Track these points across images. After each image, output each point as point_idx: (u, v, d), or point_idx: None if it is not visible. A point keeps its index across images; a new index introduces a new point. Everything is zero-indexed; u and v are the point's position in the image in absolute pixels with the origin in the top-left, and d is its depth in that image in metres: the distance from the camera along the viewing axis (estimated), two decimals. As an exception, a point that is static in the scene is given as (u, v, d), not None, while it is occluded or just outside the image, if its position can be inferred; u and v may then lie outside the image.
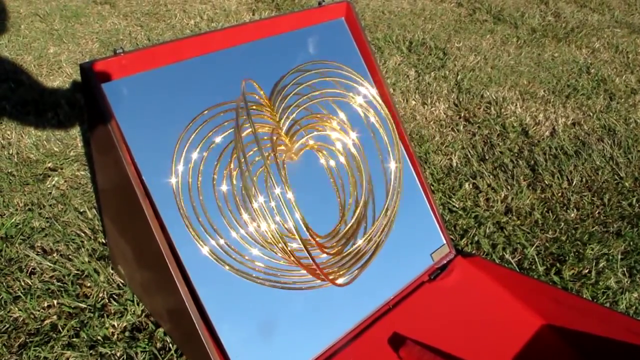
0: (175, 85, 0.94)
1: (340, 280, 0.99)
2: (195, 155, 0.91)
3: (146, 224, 0.86)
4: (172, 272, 0.86)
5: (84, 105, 1.79)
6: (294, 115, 1.03)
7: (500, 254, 1.37)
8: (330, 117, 1.06)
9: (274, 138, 0.97)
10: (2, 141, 1.77)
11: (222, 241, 0.91)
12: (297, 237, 0.88)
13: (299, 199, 0.99)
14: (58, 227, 1.39)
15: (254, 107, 0.97)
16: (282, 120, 1.01)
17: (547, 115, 2.10)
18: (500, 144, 1.88)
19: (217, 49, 1.01)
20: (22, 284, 1.23)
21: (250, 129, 0.92)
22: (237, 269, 0.92)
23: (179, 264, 0.88)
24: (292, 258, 0.92)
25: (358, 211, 1.05)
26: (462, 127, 1.98)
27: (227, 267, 0.91)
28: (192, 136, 0.92)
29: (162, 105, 0.92)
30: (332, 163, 1.07)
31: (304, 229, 0.93)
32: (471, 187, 1.64)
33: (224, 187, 0.93)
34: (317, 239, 0.99)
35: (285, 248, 0.92)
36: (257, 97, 0.99)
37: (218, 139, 0.94)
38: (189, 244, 0.89)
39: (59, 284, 1.23)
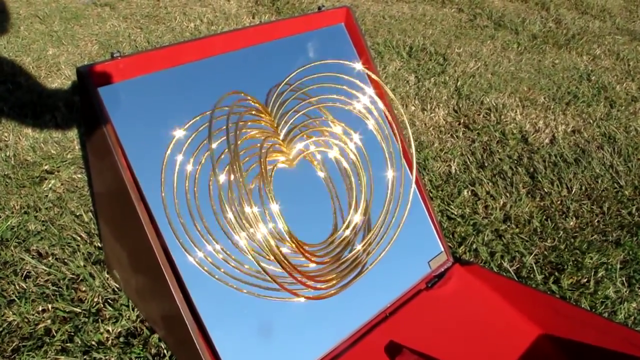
0: (173, 90, 0.93)
1: (332, 290, 0.99)
2: (191, 161, 0.91)
3: (141, 229, 0.85)
4: (167, 278, 0.85)
5: (80, 109, 1.78)
6: (292, 121, 1.02)
7: (499, 262, 1.36)
8: (329, 123, 1.06)
9: (269, 145, 0.96)
10: (-1, 143, 1.77)
11: (219, 247, 0.91)
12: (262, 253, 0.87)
13: (294, 207, 0.99)
14: (54, 231, 1.38)
15: (252, 112, 0.97)
16: (280, 127, 1.00)
17: (547, 123, 2.10)
18: (500, 150, 1.88)
19: (216, 54, 1.00)
20: (17, 287, 1.22)
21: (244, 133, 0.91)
22: (228, 278, 0.91)
23: (173, 269, 0.87)
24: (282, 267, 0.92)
25: (353, 218, 1.05)
26: (461, 133, 1.98)
27: (216, 277, 0.90)
28: (189, 141, 0.91)
29: (159, 109, 0.91)
30: (330, 170, 1.06)
31: (288, 238, 0.93)
32: (470, 194, 1.63)
33: (220, 194, 0.92)
34: (308, 247, 0.99)
35: (278, 255, 0.91)
36: (253, 103, 0.98)
37: (215, 145, 0.93)
38: (185, 250, 0.88)
39: (53, 288, 1.22)
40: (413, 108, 2.13)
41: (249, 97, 0.98)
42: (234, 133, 0.92)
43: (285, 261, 0.92)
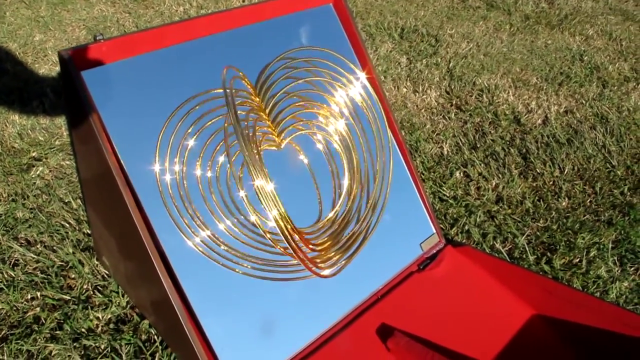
0: (158, 73, 0.92)
1: (326, 272, 0.98)
2: (179, 144, 0.89)
3: (128, 215, 0.84)
4: (155, 263, 0.84)
5: (63, 93, 1.76)
6: (280, 103, 1.01)
7: (491, 243, 1.35)
8: (318, 105, 1.04)
9: (258, 127, 0.95)
10: (-14, 130, 1.74)
11: (208, 232, 0.89)
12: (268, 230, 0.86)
13: (285, 189, 0.98)
14: (42, 218, 1.37)
15: (241, 95, 0.95)
16: (269, 109, 0.99)
17: (540, 103, 2.09)
18: (492, 132, 1.87)
19: (202, 36, 0.98)
20: (5, 276, 1.21)
21: (231, 121, 0.90)
22: (223, 263, 0.90)
23: (161, 255, 0.86)
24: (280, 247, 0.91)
25: (344, 200, 1.04)
26: (453, 114, 1.97)
27: (212, 260, 0.89)
28: (177, 125, 0.90)
29: (144, 93, 0.90)
30: (320, 151, 1.05)
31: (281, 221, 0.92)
32: (462, 175, 1.62)
33: (209, 177, 0.91)
34: (302, 230, 0.98)
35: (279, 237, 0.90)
36: (243, 85, 0.97)
37: (202, 127, 0.91)
38: (173, 235, 0.87)
39: (42, 275, 1.21)
40: (405, 90, 2.12)
41: (241, 74, 0.96)
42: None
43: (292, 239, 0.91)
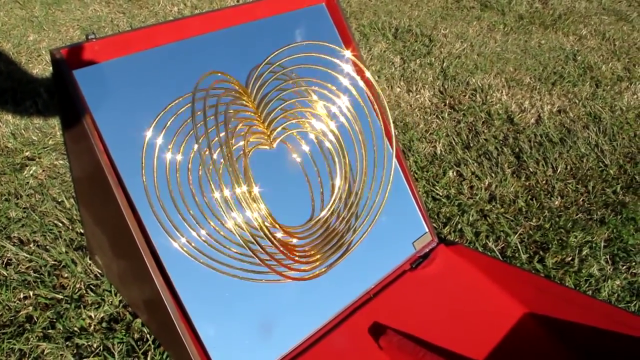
0: (151, 72, 0.92)
1: (310, 274, 0.98)
2: (171, 145, 0.89)
3: (120, 214, 0.84)
4: (147, 262, 0.84)
5: (55, 92, 1.76)
6: (272, 102, 1.01)
7: (484, 242, 1.36)
8: (310, 103, 1.04)
9: (248, 127, 0.95)
10: (-21, 130, 1.74)
11: (201, 232, 0.89)
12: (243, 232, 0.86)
13: (276, 188, 0.98)
14: (35, 218, 1.37)
15: (231, 94, 0.95)
16: (261, 108, 0.99)
17: (533, 103, 2.09)
18: (485, 131, 1.87)
19: (195, 35, 0.98)
20: (-2, 275, 1.21)
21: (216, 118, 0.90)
22: (210, 264, 0.90)
23: (154, 254, 0.86)
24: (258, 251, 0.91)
25: (335, 199, 1.04)
26: (447, 114, 1.97)
27: (201, 261, 0.89)
28: (168, 124, 0.90)
29: (137, 92, 0.90)
30: (312, 151, 1.05)
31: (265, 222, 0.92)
32: (455, 174, 1.63)
33: (200, 177, 0.91)
34: (291, 230, 0.98)
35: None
36: (233, 85, 0.97)
37: (195, 128, 0.91)
38: (165, 235, 0.87)
39: (35, 275, 1.21)
40: (398, 89, 2.12)
41: (228, 77, 0.96)
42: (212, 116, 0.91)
43: (273, 238, 0.91)
